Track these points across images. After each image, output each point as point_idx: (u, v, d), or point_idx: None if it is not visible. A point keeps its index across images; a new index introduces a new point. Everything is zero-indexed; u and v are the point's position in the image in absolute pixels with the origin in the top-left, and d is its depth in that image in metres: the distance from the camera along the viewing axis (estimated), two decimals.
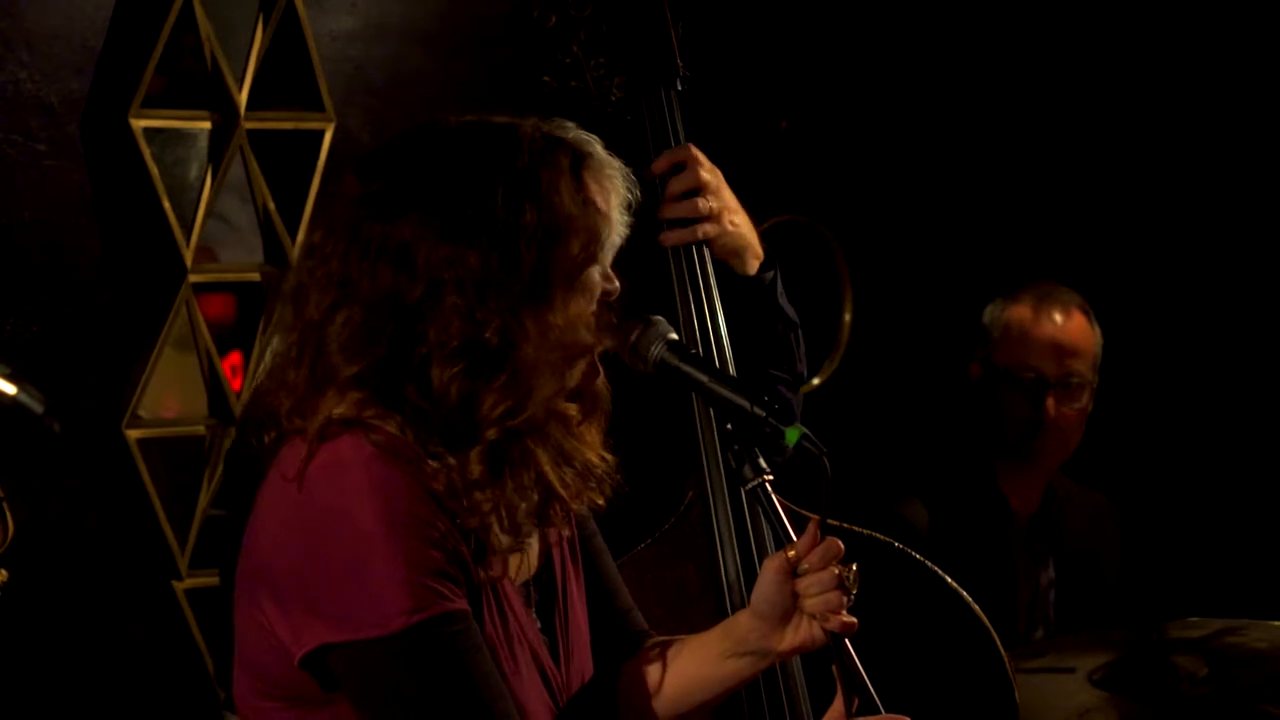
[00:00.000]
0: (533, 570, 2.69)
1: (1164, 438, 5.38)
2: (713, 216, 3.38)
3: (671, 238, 3.38)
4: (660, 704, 2.74)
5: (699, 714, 2.75)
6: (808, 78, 5.12)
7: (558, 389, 2.56)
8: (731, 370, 3.35)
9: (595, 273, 2.59)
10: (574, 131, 2.63)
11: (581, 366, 2.59)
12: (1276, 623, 3.95)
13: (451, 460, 2.52)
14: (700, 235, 3.37)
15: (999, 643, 3.42)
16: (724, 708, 2.86)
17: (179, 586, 4.13)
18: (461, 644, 2.48)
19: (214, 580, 4.15)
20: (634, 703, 2.75)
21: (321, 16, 4.31)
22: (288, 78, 4.26)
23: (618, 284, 2.63)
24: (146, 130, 4.06)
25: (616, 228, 2.64)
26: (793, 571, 2.60)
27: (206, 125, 4.16)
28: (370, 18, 4.39)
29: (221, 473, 4.18)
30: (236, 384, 4.22)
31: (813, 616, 2.61)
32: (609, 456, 2.65)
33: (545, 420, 2.56)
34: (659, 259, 3.38)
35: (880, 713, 2.59)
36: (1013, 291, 4.54)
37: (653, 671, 2.75)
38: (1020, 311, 4.49)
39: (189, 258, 4.11)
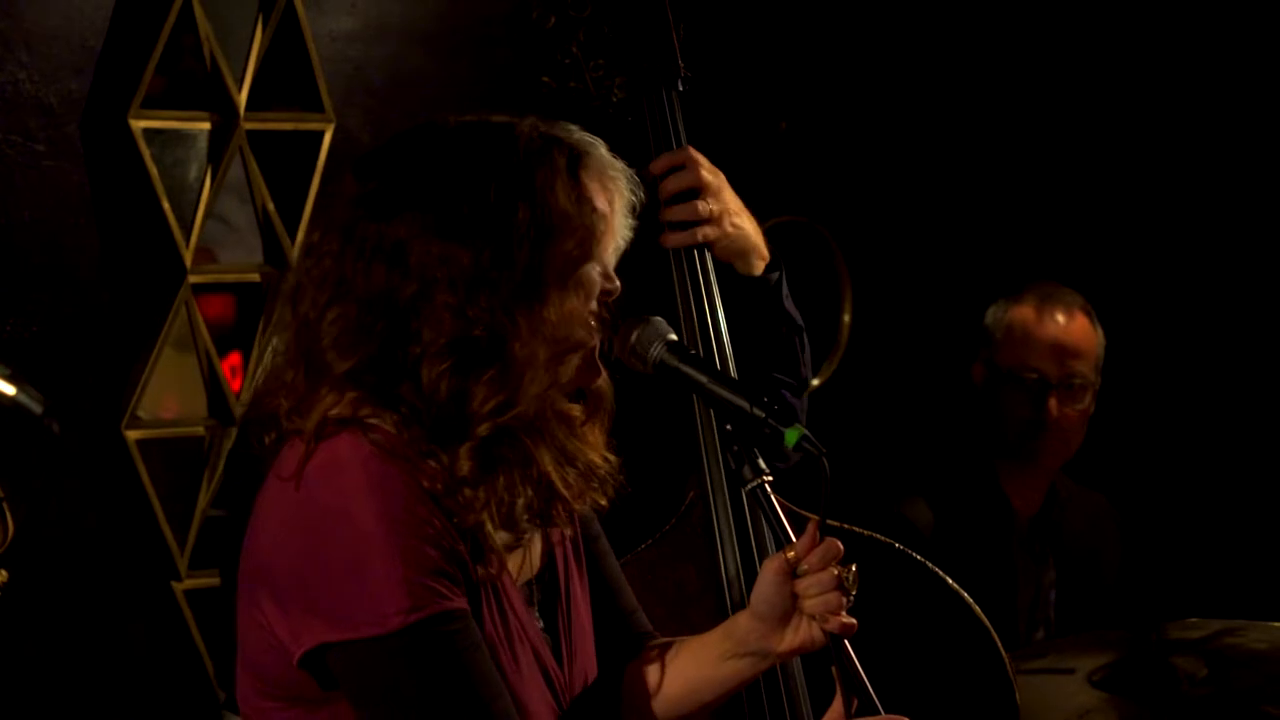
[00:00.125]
0: (535, 569, 2.69)
1: (1164, 438, 5.37)
2: (713, 219, 3.38)
3: (672, 240, 3.38)
4: (661, 705, 2.74)
5: (700, 715, 2.76)
6: (808, 78, 5.12)
7: (550, 385, 2.56)
8: (733, 372, 3.35)
9: (593, 271, 2.59)
10: (577, 134, 2.64)
11: (575, 362, 2.59)
12: (1276, 623, 3.95)
13: (445, 458, 2.52)
14: (700, 238, 3.37)
15: (1000, 644, 3.41)
16: (725, 708, 2.86)
17: (178, 587, 4.13)
18: (460, 642, 2.48)
19: (214, 581, 4.15)
20: (636, 704, 2.75)
21: (321, 17, 4.31)
22: (287, 78, 4.25)
23: (618, 283, 2.63)
24: (146, 131, 4.05)
25: (619, 230, 2.64)
26: (792, 572, 2.60)
27: (206, 126, 4.16)
28: (370, 18, 4.39)
29: (221, 473, 4.18)
30: (236, 385, 4.22)
31: (812, 617, 2.61)
32: (612, 457, 2.65)
33: (541, 418, 2.56)
34: (660, 261, 3.38)
35: (879, 713, 2.59)
36: (1015, 292, 4.54)
37: (653, 673, 2.75)
38: (1023, 312, 4.49)
39: (188, 258, 4.11)
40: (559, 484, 2.58)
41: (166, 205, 4.07)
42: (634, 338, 2.72)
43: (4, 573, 3.37)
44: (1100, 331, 4.52)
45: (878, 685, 2.59)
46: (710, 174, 3.39)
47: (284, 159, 4.25)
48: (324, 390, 2.55)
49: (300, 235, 4.20)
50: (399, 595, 2.44)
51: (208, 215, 4.16)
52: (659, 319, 2.74)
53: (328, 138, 4.27)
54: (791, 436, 2.61)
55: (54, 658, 4.00)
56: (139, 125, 4.03)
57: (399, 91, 4.41)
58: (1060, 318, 4.48)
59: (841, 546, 2.61)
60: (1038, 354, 4.45)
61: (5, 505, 3.37)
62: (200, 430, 4.19)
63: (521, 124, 2.61)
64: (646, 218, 2.74)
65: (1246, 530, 5.29)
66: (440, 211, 2.53)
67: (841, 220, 5.17)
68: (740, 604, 3.19)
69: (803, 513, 3.09)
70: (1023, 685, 3.47)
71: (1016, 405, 4.45)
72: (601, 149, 2.65)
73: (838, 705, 2.62)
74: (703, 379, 2.71)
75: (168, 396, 4.16)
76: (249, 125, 4.18)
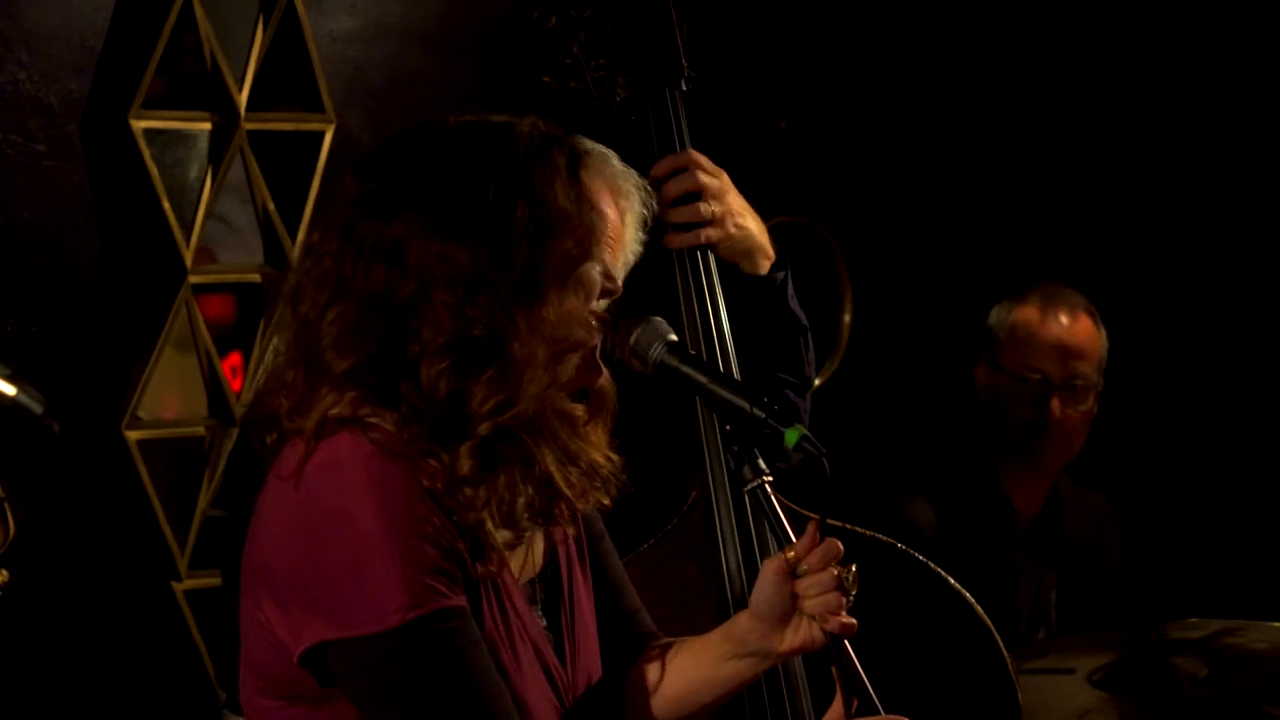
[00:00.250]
0: (538, 568, 2.69)
1: (1165, 440, 5.37)
2: (715, 221, 3.38)
3: (675, 241, 3.38)
4: (662, 705, 2.74)
5: (701, 715, 2.76)
6: (808, 79, 5.12)
7: (549, 384, 2.56)
8: (735, 373, 3.35)
9: (593, 270, 2.59)
10: (589, 144, 2.63)
11: (575, 362, 2.59)
12: (1276, 623, 3.95)
13: (445, 456, 2.52)
14: (703, 239, 3.38)
15: (1001, 644, 3.41)
16: (726, 708, 2.86)
17: (178, 587, 4.13)
18: (459, 640, 2.48)
19: (214, 581, 4.15)
20: (637, 704, 2.75)
21: (321, 17, 4.31)
22: (288, 78, 4.25)
23: (620, 283, 2.63)
24: (146, 131, 4.05)
25: (629, 243, 2.65)
26: (792, 573, 2.60)
27: (206, 126, 4.16)
28: (370, 18, 4.39)
29: (222, 473, 4.18)
30: (236, 385, 4.22)
31: (812, 618, 2.61)
32: (615, 456, 2.64)
33: (542, 417, 2.56)
34: (663, 261, 3.38)
35: (879, 713, 2.59)
36: (1017, 293, 4.54)
37: (653, 673, 2.75)
38: (1026, 313, 4.49)
39: (189, 258, 4.11)
40: (562, 483, 2.58)
41: (167, 205, 4.07)
42: (634, 338, 2.72)
43: (4, 572, 3.37)
44: (1104, 333, 4.52)
45: (879, 685, 2.59)
46: (712, 176, 3.39)
47: (284, 159, 4.25)
48: (324, 390, 2.55)
49: (301, 235, 4.21)
50: (398, 593, 2.45)
51: (208, 215, 4.16)
52: (659, 319, 2.74)
53: (328, 138, 4.27)
54: (791, 437, 2.61)
55: (54, 658, 4.00)
56: (139, 125, 4.04)
57: (399, 91, 4.41)
58: (1064, 319, 4.48)
59: (841, 547, 2.61)
60: (1041, 355, 4.45)
61: (5, 505, 3.37)
62: (200, 430, 4.19)
63: (521, 123, 2.61)
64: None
65: (1246, 530, 5.29)
66: (439, 211, 2.53)
67: (841, 220, 5.17)
68: (742, 604, 3.19)
69: (804, 512, 3.09)
70: (1023, 685, 3.47)
71: (1019, 406, 4.45)
72: (614, 160, 2.65)
73: (838, 705, 2.62)
74: (702, 379, 2.71)
75: (168, 396, 4.16)
76: (249, 125, 4.18)
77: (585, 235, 2.57)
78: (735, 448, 2.67)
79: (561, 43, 3.43)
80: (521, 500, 2.57)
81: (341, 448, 2.51)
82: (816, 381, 5.00)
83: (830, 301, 5.14)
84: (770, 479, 2.66)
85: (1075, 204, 5.42)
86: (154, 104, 4.07)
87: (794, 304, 3.49)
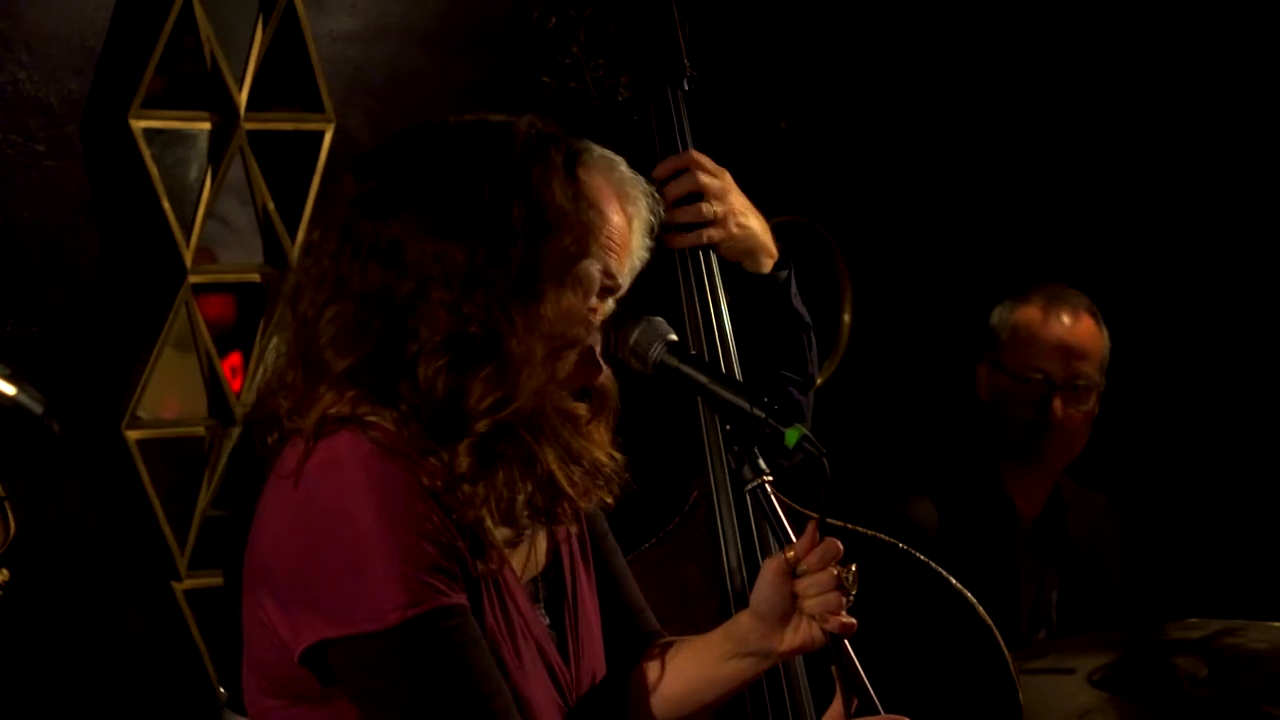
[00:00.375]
0: (541, 566, 2.69)
1: (1165, 439, 5.37)
2: (717, 221, 3.38)
3: (677, 241, 3.38)
4: (663, 704, 2.74)
5: (702, 714, 2.76)
6: (808, 78, 5.12)
7: (547, 381, 2.55)
8: (737, 372, 3.35)
9: (591, 268, 2.59)
10: (598, 150, 2.63)
11: (573, 359, 2.58)
12: (1276, 623, 3.95)
13: (444, 454, 2.52)
14: (705, 239, 3.38)
15: (1003, 644, 3.41)
16: (727, 707, 2.86)
17: (178, 587, 4.13)
18: (458, 638, 2.48)
19: (214, 581, 4.15)
20: (639, 703, 2.75)
21: (321, 17, 4.31)
22: (288, 78, 4.26)
23: (620, 281, 2.63)
24: (146, 131, 4.06)
25: (635, 250, 2.64)
26: (792, 572, 2.60)
27: (206, 126, 4.16)
28: (370, 18, 4.39)
29: (221, 473, 4.18)
30: (236, 385, 4.22)
31: (812, 617, 2.61)
32: (617, 455, 2.64)
33: (542, 415, 2.56)
34: (665, 261, 3.37)
35: (879, 713, 2.58)
36: (1019, 293, 4.54)
37: (655, 672, 2.75)
38: (1029, 313, 4.49)
39: (189, 258, 4.11)
40: (564, 482, 2.58)
41: (167, 205, 4.07)
42: (634, 338, 2.72)
43: (4, 572, 3.37)
44: (1106, 333, 4.52)
45: (879, 685, 2.59)
46: (714, 176, 3.39)
47: (284, 159, 4.25)
48: (323, 389, 2.55)
49: (300, 235, 4.21)
50: (397, 591, 2.45)
51: (208, 215, 4.16)
52: (659, 319, 2.74)
53: (328, 138, 4.28)
54: (791, 436, 2.61)
55: (54, 657, 4.01)
56: (139, 125, 4.04)
57: (399, 91, 4.41)
58: (1066, 319, 4.47)
59: (841, 546, 2.61)
60: (1043, 355, 4.45)
61: (5, 505, 3.37)
62: (200, 430, 4.19)
63: (519, 122, 2.61)
64: None
65: (1246, 530, 5.29)
66: (436, 210, 2.54)
67: (841, 220, 5.17)
68: (743, 603, 3.18)
69: (805, 512, 3.09)
70: (1023, 685, 3.46)
71: (1021, 406, 4.44)
72: (622, 166, 2.65)
73: (838, 705, 2.62)
74: (703, 379, 2.71)
75: (168, 396, 4.16)
76: (249, 125, 4.18)
77: (583, 233, 2.57)
78: (736, 447, 2.67)
79: (561, 43, 3.43)
80: (521, 497, 2.57)
81: (341, 447, 2.51)
82: (818, 381, 5.01)
83: (830, 301, 5.14)
84: (771, 478, 2.66)
85: (1077, 204, 5.42)
86: (154, 104, 4.07)
87: (797, 302, 3.49)
